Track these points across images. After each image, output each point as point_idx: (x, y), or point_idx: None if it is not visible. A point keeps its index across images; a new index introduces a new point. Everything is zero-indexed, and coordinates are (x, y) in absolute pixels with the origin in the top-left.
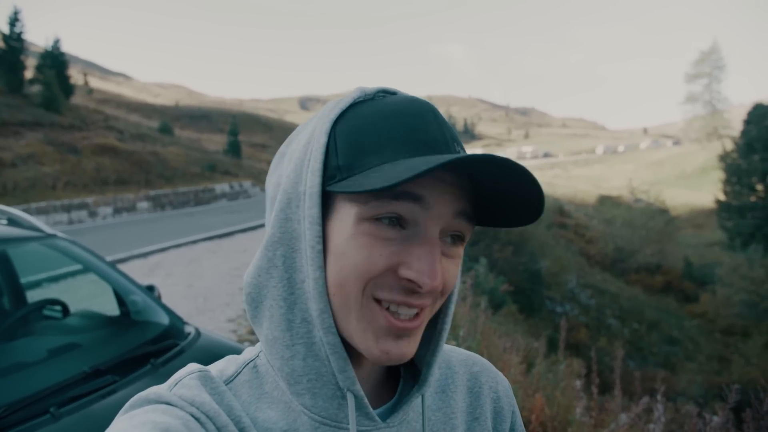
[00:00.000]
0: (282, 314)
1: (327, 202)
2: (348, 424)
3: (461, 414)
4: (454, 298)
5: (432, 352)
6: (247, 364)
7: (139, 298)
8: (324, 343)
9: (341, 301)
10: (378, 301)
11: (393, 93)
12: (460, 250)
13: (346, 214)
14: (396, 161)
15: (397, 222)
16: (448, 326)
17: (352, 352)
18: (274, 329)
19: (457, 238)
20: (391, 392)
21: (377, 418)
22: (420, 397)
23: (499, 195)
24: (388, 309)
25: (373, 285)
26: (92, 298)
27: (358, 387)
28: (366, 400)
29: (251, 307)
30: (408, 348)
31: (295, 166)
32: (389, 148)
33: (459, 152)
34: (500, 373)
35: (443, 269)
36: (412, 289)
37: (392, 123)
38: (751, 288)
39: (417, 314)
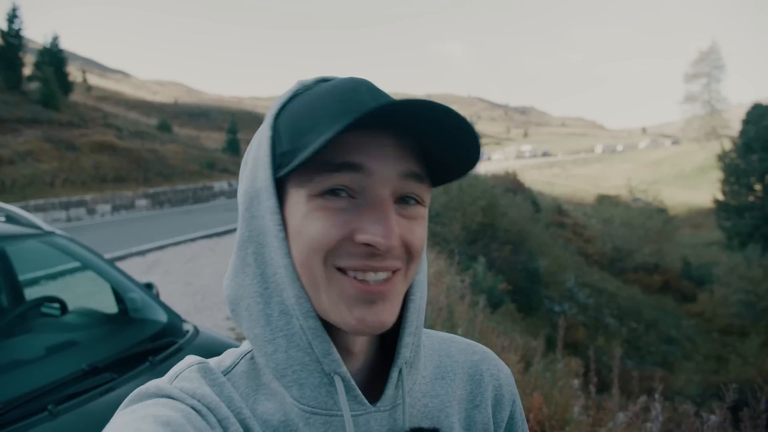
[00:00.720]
0: (260, 310)
1: (283, 191)
2: (338, 410)
3: (459, 401)
4: (424, 267)
5: (403, 323)
6: (244, 355)
7: (137, 295)
8: (305, 330)
9: (310, 281)
10: (342, 271)
11: (332, 78)
12: (420, 210)
13: (297, 197)
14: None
15: (347, 193)
16: (417, 296)
17: (339, 341)
18: (254, 326)
19: (412, 200)
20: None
21: (367, 401)
22: (407, 376)
23: (439, 145)
24: (354, 278)
25: (332, 256)
26: (90, 295)
27: (344, 369)
28: (353, 383)
29: (232, 308)
30: (384, 314)
31: (252, 166)
32: (323, 123)
33: None
34: (502, 362)
35: (404, 229)
36: (371, 252)
37: (326, 101)
38: (748, 288)
39: (388, 279)
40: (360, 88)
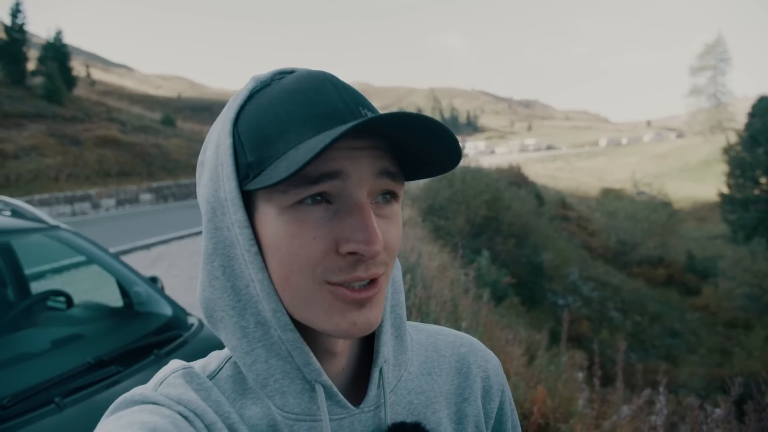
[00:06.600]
0: (234, 323)
1: (249, 202)
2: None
3: (448, 396)
4: (397, 263)
5: (381, 322)
6: (229, 358)
7: (142, 289)
8: (283, 341)
9: (293, 295)
10: (331, 283)
11: (291, 72)
12: (395, 208)
13: (268, 209)
14: (301, 144)
15: (323, 198)
16: (391, 294)
17: (320, 344)
18: (231, 338)
19: (388, 197)
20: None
21: (349, 405)
22: (390, 374)
23: (418, 148)
24: (341, 285)
25: (321, 270)
26: (96, 289)
27: (326, 377)
28: (335, 389)
29: (208, 321)
30: (372, 315)
31: (211, 173)
32: (292, 132)
33: (365, 115)
34: (490, 352)
35: (382, 231)
36: (357, 260)
37: (290, 104)
38: (753, 281)
39: (373, 281)
40: (323, 86)
